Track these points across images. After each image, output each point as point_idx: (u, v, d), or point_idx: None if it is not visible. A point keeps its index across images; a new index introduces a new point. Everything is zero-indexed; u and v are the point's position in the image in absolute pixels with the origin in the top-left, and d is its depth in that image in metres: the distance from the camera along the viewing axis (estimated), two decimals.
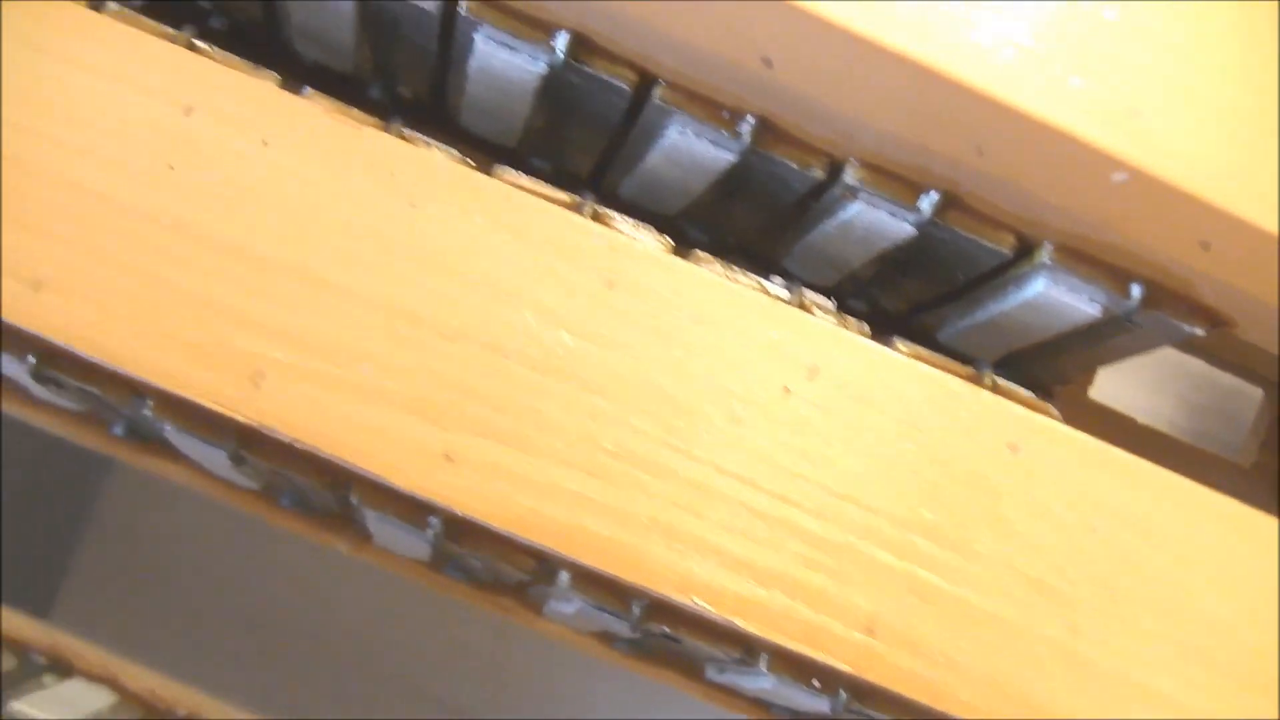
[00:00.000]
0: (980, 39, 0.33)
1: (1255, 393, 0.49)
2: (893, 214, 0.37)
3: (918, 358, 0.35)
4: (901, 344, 0.35)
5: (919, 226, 0.37)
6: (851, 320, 0.36)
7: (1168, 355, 0.50)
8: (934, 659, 0.33)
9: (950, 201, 0.36)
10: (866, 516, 0.34)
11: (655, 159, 0.39)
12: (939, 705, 0.33)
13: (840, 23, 0.32)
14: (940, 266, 0.39)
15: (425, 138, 0.35)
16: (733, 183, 0.39)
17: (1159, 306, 0.37)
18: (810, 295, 0.36)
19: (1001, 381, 0.36)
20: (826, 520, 0.33)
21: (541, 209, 0.34)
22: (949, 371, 0.35)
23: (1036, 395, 0.37)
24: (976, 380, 0.35)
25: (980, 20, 0.33)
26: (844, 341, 0.35)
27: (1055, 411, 0.36)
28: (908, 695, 0.33)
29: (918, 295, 0.42)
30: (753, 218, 0.41)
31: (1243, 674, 0.34)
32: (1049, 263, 0.37)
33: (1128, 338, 0.39)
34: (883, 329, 0.46)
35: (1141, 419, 0.47)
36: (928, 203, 0.36)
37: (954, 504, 0.34)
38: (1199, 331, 0.37)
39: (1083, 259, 0.37)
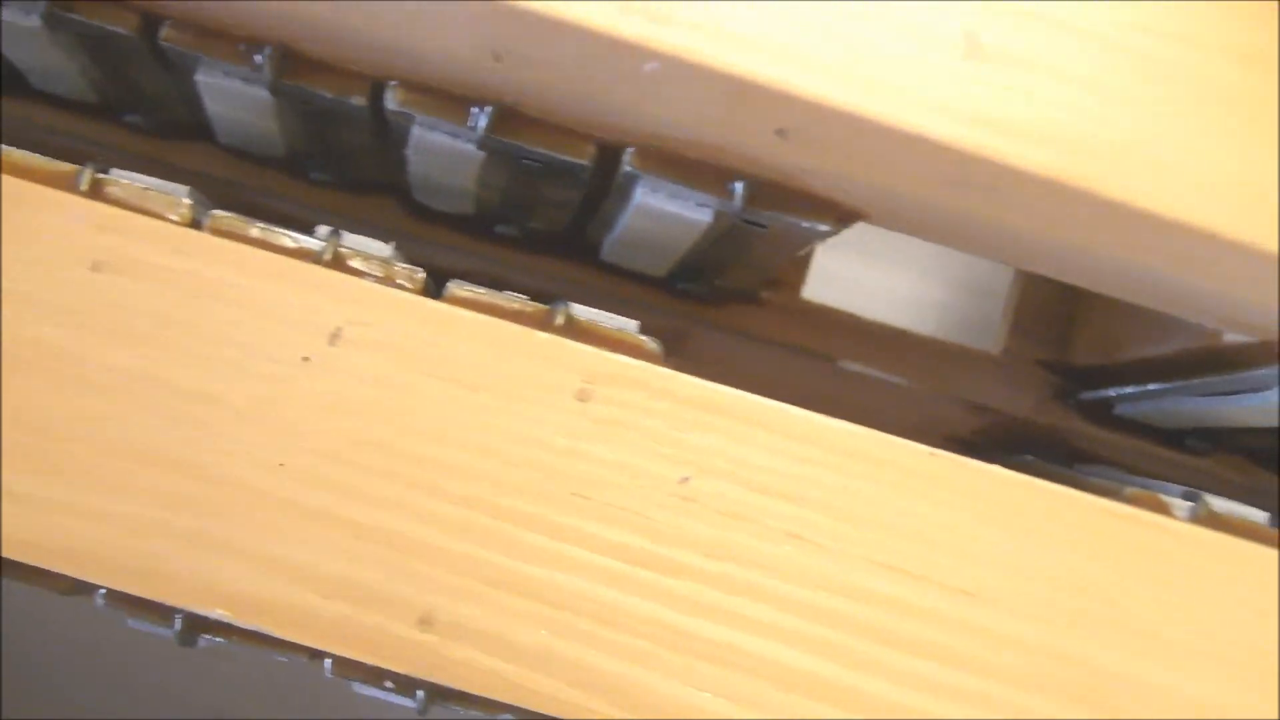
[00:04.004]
0: None
1: (1005, 274, 0.43)
2: (454, 135, 0.32)
3: (474, 305, 0.30)
4: (459, 288, 0.30)
5: (482, 145, 0.32)
6: (401, 269, 0.31)
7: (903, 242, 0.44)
8: (498, 649, 0.29)
9: (508, 114, 0.31)
10: (413, 494, 0.29)
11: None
12: (506, 698, 0.29)
13: None
14: (542, 183, 0.34)
15: None
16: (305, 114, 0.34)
17: (773, 205, 0.32)
18: (356, 243, 0.31)
19: (583, 317, 0.31)
20: (368, 505, 0.29)
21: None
22: (508, 316, 0.30)
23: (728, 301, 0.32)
24: (545, 321, 0.30)
25: None
26: (377, 297, 0.30)
27: (653, 347, 0.31)
28: (468, 689, 0.29)
29: (552, 216, 0.37)
30: (348, 147, 0.36)
31: None
32: (634, 170, 0.31)
33: (764, 240, 0.34)
34: (544, 250, 0.42)
35: (868, 315, 0.41)
36: (481, 119, 0.31)
37: (514, 469, 0.29)
38: (825, 228, 0.32)
39: (674, 162, 0.31)
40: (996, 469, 0.30)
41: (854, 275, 0.44)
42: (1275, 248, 0.30)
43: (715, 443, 0.30)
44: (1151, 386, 0.38)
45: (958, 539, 0.30)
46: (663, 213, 0.33)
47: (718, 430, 0.30)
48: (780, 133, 0.29)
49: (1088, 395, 0.42)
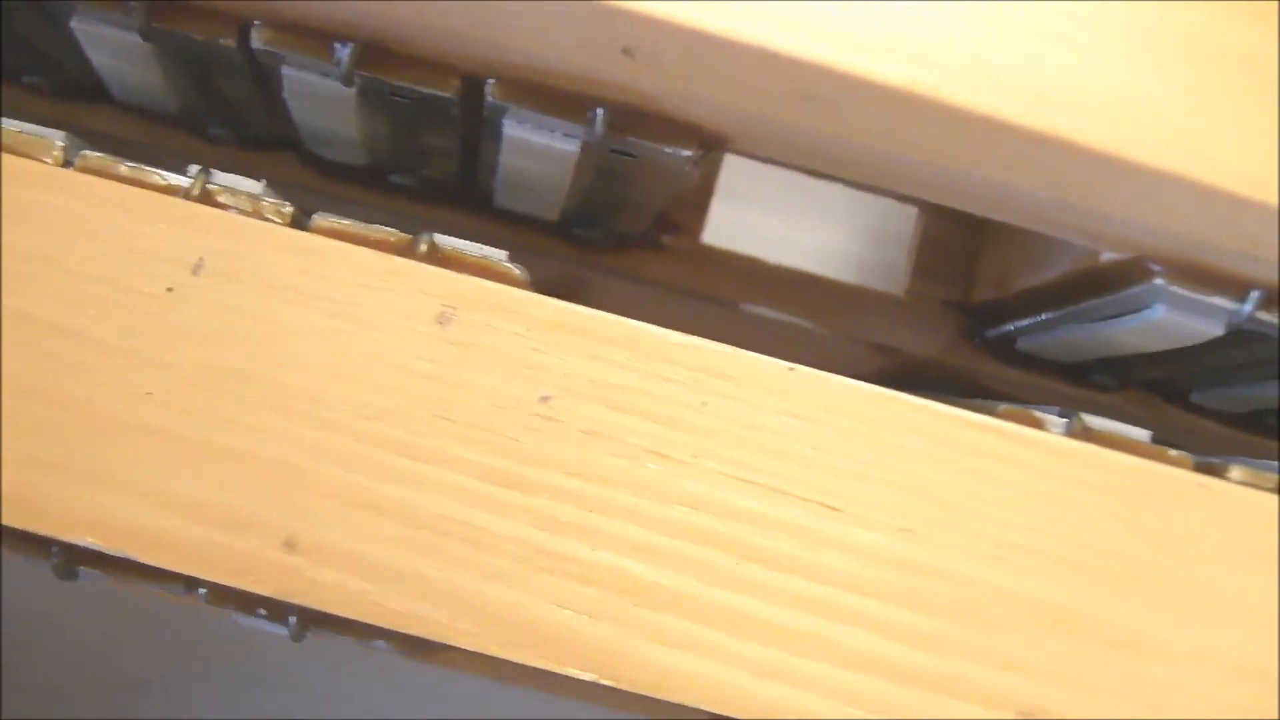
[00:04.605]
0: None
1: (909, 212, 0.43)
2: (321, 73, 0.32)
3: (338, 234, 0.31)
4: (323, 219, 0.31)
5: (347, 81, 0.32)
6: (269, 204, 0.31)
7: (805, 191, 0.45)
8: (363, 571, 0.29)
9: (373, 50, 0.32)
10: (275, 419, 0.30)
11: None
12: (372, 619, 0.29)
13: None
14: (419, 124, 0.34)
15: None
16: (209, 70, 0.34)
17: (635, 131, 0.32)
18: (226, 180, 0.32)
19: (446, 245, 0.31)
20: (232, 431, 0.30)
21: None
22: (372, 245, 0.31)
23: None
24: (409, 250, 0.31)
25: None
26: (240, 227, 0.30)
27: (519, 273, 0.31)
28: (335, 610, 0.29)
29: (441, 162, 0.38)
30: (235, 99, 0.37)
31: None
32: (497, 101, 0.32)
33: (639, 172, 0.34)
34: (443, 201, 0.42)
35: (774, 259, 0.42)
36: (345, 54, 0.32)
37: (376, 394, 0.30)
38: (689, 153, 0.32)
39: (535, 91, 0.32)
40: (858, 384, 0.31)
41: (757, 225, 0.44)
42: (1135, 156, 0.30)
43: (575, 363, 0.30)
44: (1044, 316, 0.38)
45: (820, 453, 0.30)
46: (532, 145, 0.33)
47: (577, 351, 0.30)
48: (627, 52, 0.29)
49: (992, 332, 0.42)
